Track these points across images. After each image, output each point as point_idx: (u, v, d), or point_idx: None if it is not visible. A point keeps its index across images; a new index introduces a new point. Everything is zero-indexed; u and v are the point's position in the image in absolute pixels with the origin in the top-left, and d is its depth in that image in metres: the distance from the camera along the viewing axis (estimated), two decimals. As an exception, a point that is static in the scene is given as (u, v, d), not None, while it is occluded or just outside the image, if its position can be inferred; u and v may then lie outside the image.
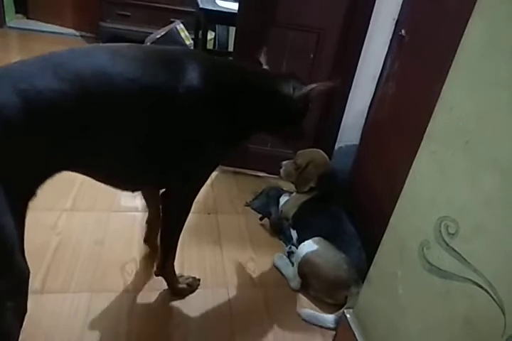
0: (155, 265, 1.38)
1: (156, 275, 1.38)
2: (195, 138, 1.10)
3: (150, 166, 1.10)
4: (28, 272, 0.81)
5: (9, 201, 0.73)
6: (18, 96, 0.76)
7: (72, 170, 0.99)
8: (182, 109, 1.03)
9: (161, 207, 1.26)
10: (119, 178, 1.13)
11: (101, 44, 1.00)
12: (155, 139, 1.04)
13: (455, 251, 0.82)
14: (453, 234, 0.83)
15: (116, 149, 0.99)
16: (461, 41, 0.85)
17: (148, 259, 1.54)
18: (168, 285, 1.40)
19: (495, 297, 0.73)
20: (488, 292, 0.74)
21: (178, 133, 1.06)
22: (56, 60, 0.87)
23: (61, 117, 0.83)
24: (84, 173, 1.04)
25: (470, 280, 0.78)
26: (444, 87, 0.90)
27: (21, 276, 0.79)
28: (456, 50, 0.86)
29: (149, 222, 1.53)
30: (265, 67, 1.32)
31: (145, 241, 1.58)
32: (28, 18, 4.28)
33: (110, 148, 0.98)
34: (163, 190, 1.23)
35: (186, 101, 1.02)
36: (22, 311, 0.81)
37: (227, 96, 1.13)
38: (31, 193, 0.86)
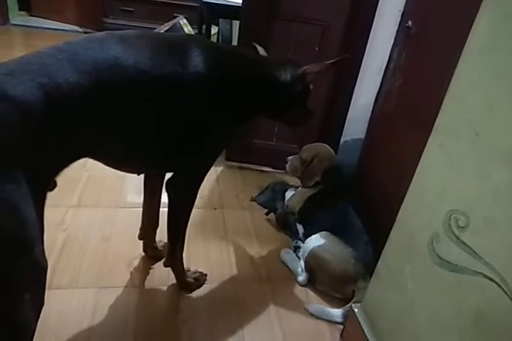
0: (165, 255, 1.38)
1: (165, 266, 1.38)
2: (201, 123, 1.13)
3: (159, 151, 1.14)
4: (46, 264, 0.81)
5: (31, 192, 0.75)
6: (39, 90, 0.78)
7: (85, 157, 1.01)
8: (188, 95, 1.06)
9: (167, 199, 1.25)
10: (129, 163, 1.17)
11: (112, 32, 1.01)
12: (165, 125, 1.08)
13: (465, 244, 0.81)
14: (463, 227, 0.82)
15: (129, 136, 1.03)
16: (470, 33, 0.83)
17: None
18: (176, 278, 1.41)
19: (506, 290, 0.72)
20: (499, 285, 0.73)
21: (185, 118, 1.09)
22: (72, 51, 0.89)
23: (79, 108, 0.86)
24: (94, 158, 1.06)
25: (481, 273, 0.77)
26: (452, 78, 0.89)
27: (39, 268, 0.79)
28: (464, 41, 0.85)
29: (145, 219, 1.49)
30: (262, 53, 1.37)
31: (140, 238, 1.52)
32: (31, 15, 4.29)
33: (124, 136, 1.01)
34: (168, 178, 1.23)
35: (192, 87, 1.06)
36: (39, 303, 0.81)
37: (230, 82, 1.16)
38: (50, 183, 0.88)
